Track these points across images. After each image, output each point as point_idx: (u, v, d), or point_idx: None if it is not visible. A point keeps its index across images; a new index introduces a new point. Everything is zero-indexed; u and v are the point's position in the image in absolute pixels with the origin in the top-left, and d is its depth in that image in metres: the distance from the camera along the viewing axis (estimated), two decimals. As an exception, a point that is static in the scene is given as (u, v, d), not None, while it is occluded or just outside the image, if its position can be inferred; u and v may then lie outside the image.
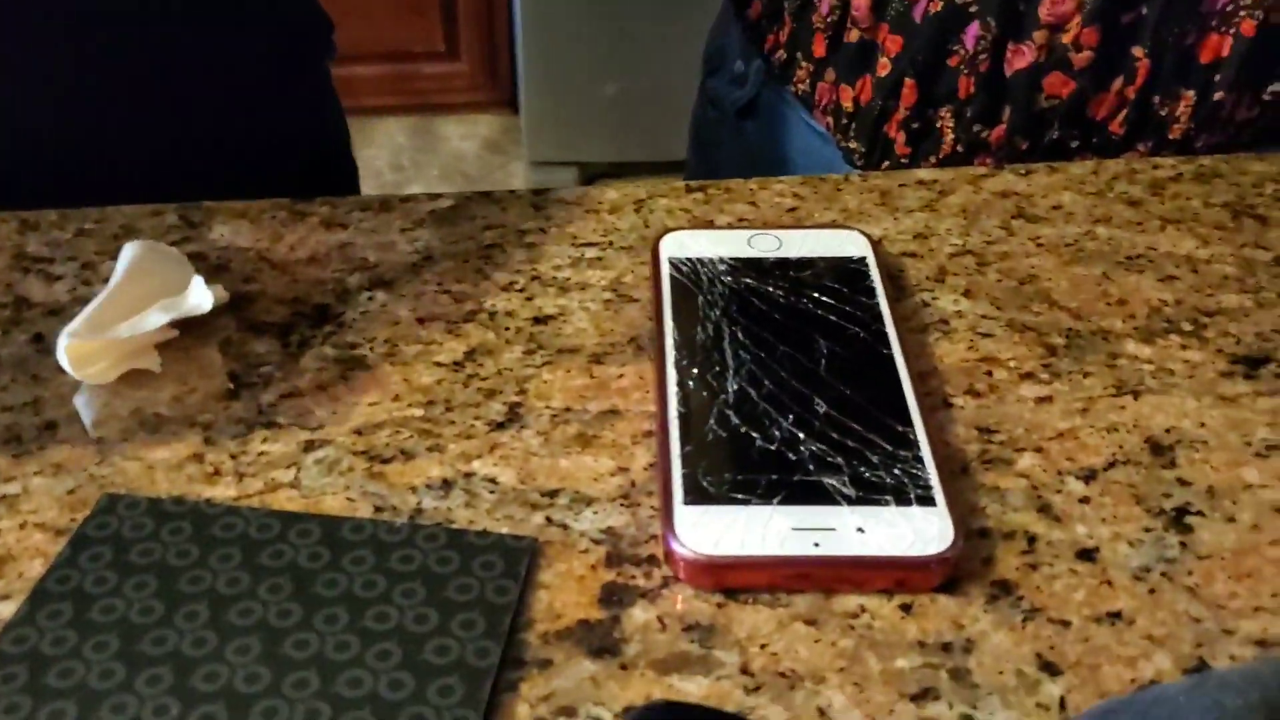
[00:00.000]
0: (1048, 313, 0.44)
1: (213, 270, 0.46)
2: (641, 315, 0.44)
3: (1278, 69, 0.53)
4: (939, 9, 0.54)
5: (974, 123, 0.57)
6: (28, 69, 0.54)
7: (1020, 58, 0.54)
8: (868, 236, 0.45)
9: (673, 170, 1.16)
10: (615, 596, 0.34)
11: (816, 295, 0.42)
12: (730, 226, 0.48)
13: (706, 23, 0.75)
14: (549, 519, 0.36)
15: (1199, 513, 0.36)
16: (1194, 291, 0.45)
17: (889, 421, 0.37)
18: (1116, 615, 0.33)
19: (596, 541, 0.35)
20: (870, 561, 0.33)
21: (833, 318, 0.41)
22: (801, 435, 0.37)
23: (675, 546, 0.34)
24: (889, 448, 0.36)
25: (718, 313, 0.42)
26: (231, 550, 0.34)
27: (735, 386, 0.39)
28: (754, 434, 0.37)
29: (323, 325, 0.44)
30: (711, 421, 0.37)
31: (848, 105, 0.60)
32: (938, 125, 0.58)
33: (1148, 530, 0.36)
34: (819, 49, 0.60)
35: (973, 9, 0.54)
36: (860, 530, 0.34)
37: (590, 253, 0.47)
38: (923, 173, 0.52)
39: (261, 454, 0.38)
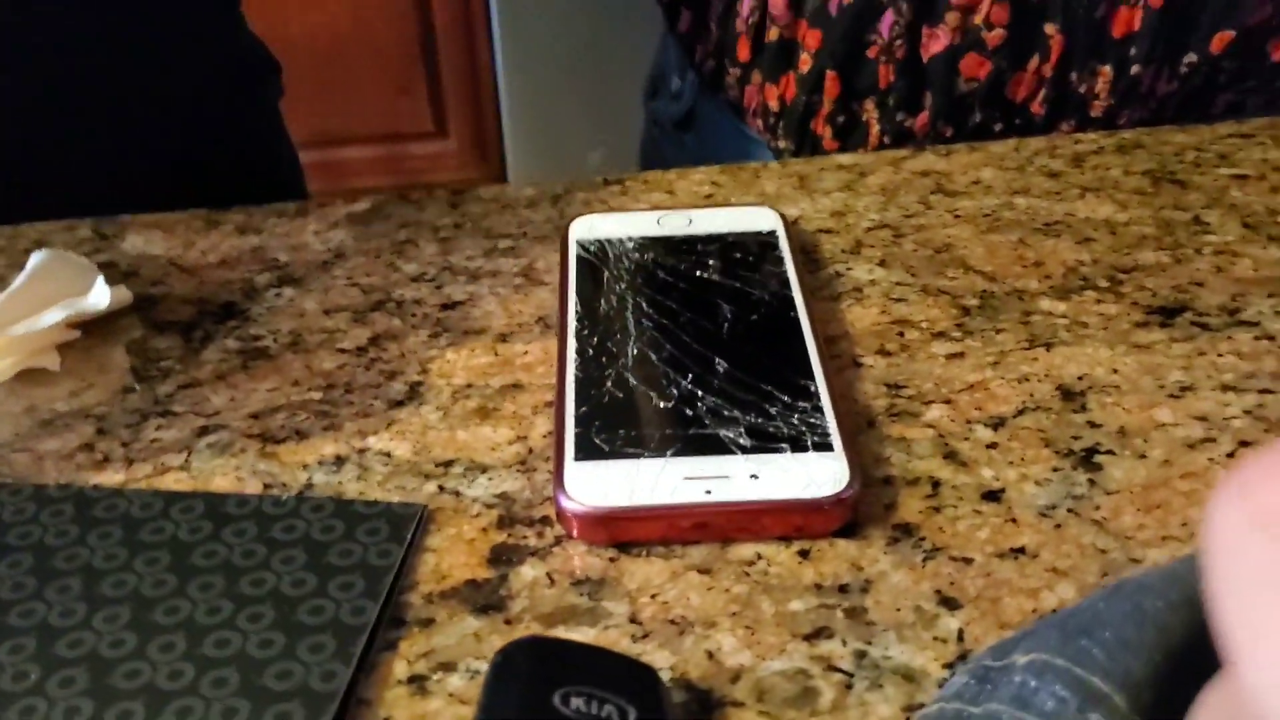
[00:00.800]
0: (963, 277, 0.43)
1: (121, 276, 0.46)
2: (551, 297, 0.43)
3: (1190, 40, 0.53)
4: (853, 1, 0.55)
5: (897, 111, 0.57)
6: None
7: (935, 41, 0.54)
8: (779, 213, 0.45)
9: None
10: (505, 556, 0.33)
11: (722, 266, 0.42)
12: (644, 212, 0.48)
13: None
14: (441, 487, 0.35)
15: (1109, 452, 0.35)
16: (1111, 251, 0.44)
17: (790, 376, 0.36)
18: (1020, 550, 0.32)
19: (489, 506, 0.34)
20: (764, 506, 0.32)
21: (737, 285, 0.41)
22: (700, 393, 0.36)
23: (564, 502, 0.33)
24: (788, 399, 0.35)
25: (623, 285, 0.41)
26: (111, 529, 0.33)
27: (635, 351, 0.38)
28: (651, 393, 0.36)
29: (227, 321, 0.43)
30: (608, 384, 0.36)
31: (774, 104, 0.60)
32: (863, 118, 0.58)
33: (1055, 470, 0.34)
34: (743, 52, 0.60)
35: (886, -3, 0.54)
36: (754, 477, 0.33)
37: (504, 243, 0.47)
38: (843, 157, 0.52)
39: (154, 440, 0.37)
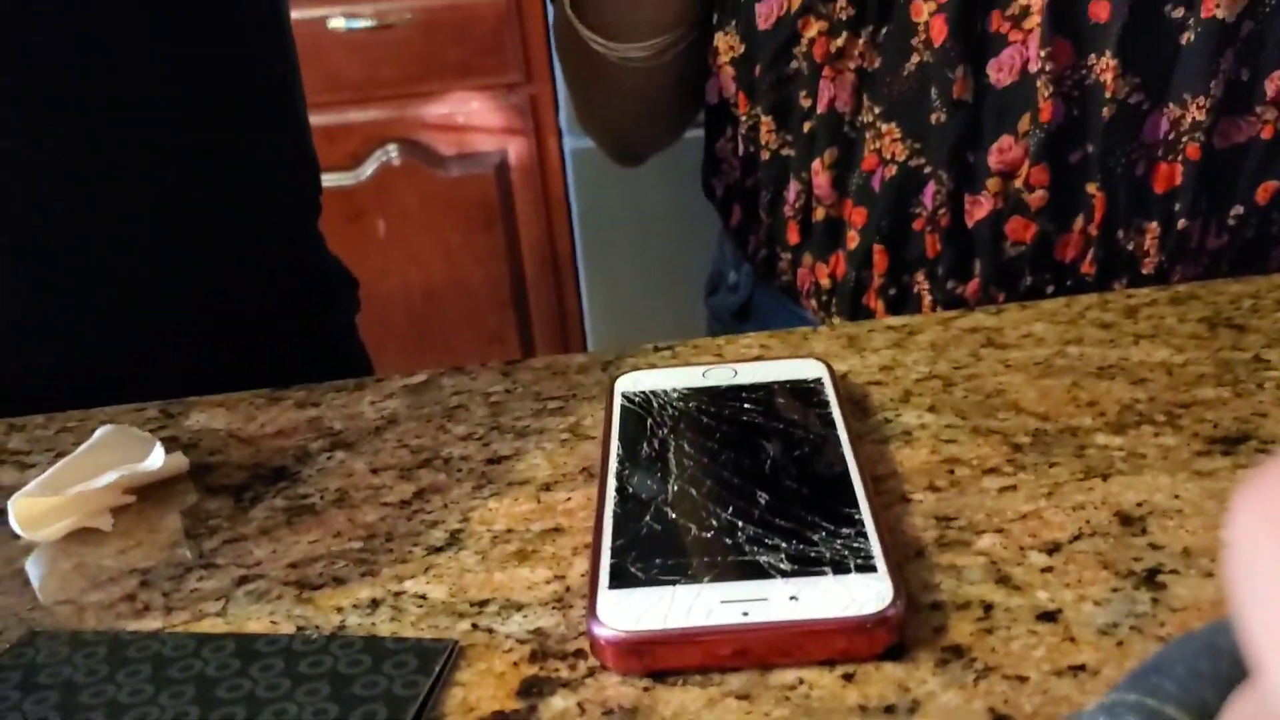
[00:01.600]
0: (1014, 418, 0.42)
1: (181, 448, 0.47)
2: (597, 449, 0.43)
3: (1235, 191, 0.53)
4: (894, 174, 0.56)
5: (947, 279, 0.57)
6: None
7: (979, 208, 0.55)
8: (826, 364, 0.45)
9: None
10: (535, 689, 0.31)
11: (767, 409, 0.42)
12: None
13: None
14: (475, 625, 0.34)
15: (1173, 571, 0.33)
16: (1168, 390, 0.43)
17: (833, 506, 0.35)
18: (1080, 668, 0.30)
19: (522, 641, 0.33)
20: (804, 627, 0.31)
21: (781, 425, 0.40)
22: (740, 523, 0.35)
23: (596, 629, 0.32)
24: (830, 526, 0.34)
25: (665, 430, 0.41)
26: (141, 666, 0.33)
27: (675, 488, 0.37)
28: (690, 524, 0.35)
29: (278, 483, 0.44)
30: (647, 518, 0.36)
31: (825, 283, 0.61)
32: (914, 289, 0.58)
33: (1115, 590, 0.33)
34: (793, 236, 0.62)
35: (926, 169, 0.55)
36: (794, 598, 0.31)
37: (553, 404, 0.47)
38: (892, 319, 0.52)
39: (194, 590, 0.37)
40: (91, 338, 0.59)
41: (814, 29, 0.56)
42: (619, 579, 0.33)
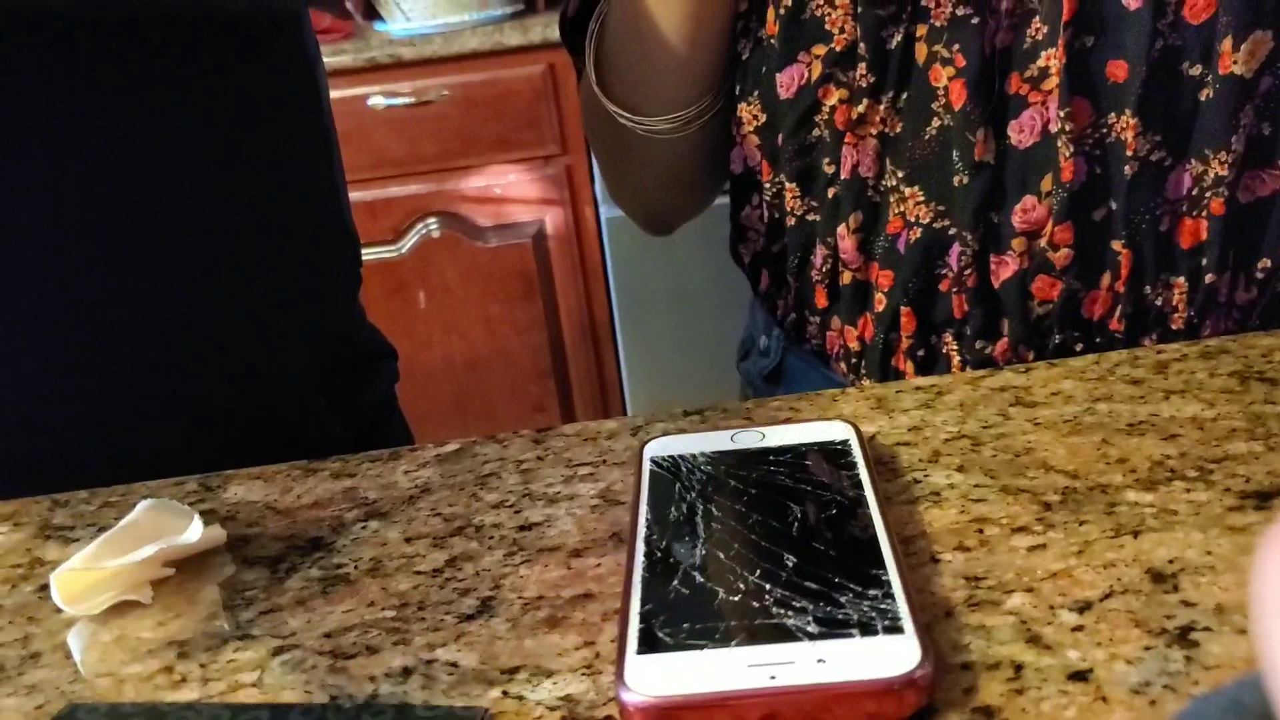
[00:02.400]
0: (1043, 476, 0.42)
1: (219, 520, 0.48)
2: (627, 515, 0.44)
3: (1261, 244, 0.53)
4: (919, 236, 0.56)
5: (975, 339, 0.57)
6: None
7: (1005, 268, 0.55)
8: (854, 425, 0.45)
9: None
10: (565, 755, 0.32)
11: (794, 471, 0.42)
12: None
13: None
14: (505, 692, 0.34)
15: (1206, 629, 0.33)
16: (1199, 445, 0.43)
17: (860, 568, 0.35)
18: (1111, 728, 0.30)
19: (552, 709, 0.33)
20: (831, 689, 0.31)
21: (808, 488, 0.41)
22: (767, 586, 0.35)
23: (624, 695, 0.32)
24: (857, 589, 0.34)
25: (693, 494, 0.41)
26: (177, 737, 0.33)
27: (704, 551, 0.37)
28: (717, 588, 0.35)
29: (313, 553, 0.44)
30: (675, 583, 0.36)
31: (854, 345, 0.61)
32: (943, 350, 0.58)
33: (1148, 649, 0.32)
34: (820, 300, 0.62)
35: (950, 231, 0.56)
36: (821, 661, 0.31)
37: (583, 470, 0.48)
38: (920, 380, 0.52)
39: (230, 661, 0.38)
40: (132, 414, 0.60)
41: (835, 97, 0.57)
42: (647, 644, 0.33)
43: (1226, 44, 0.50)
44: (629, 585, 0.36)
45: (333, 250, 0.66)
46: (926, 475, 0.44)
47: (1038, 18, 0.52)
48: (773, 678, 0.31)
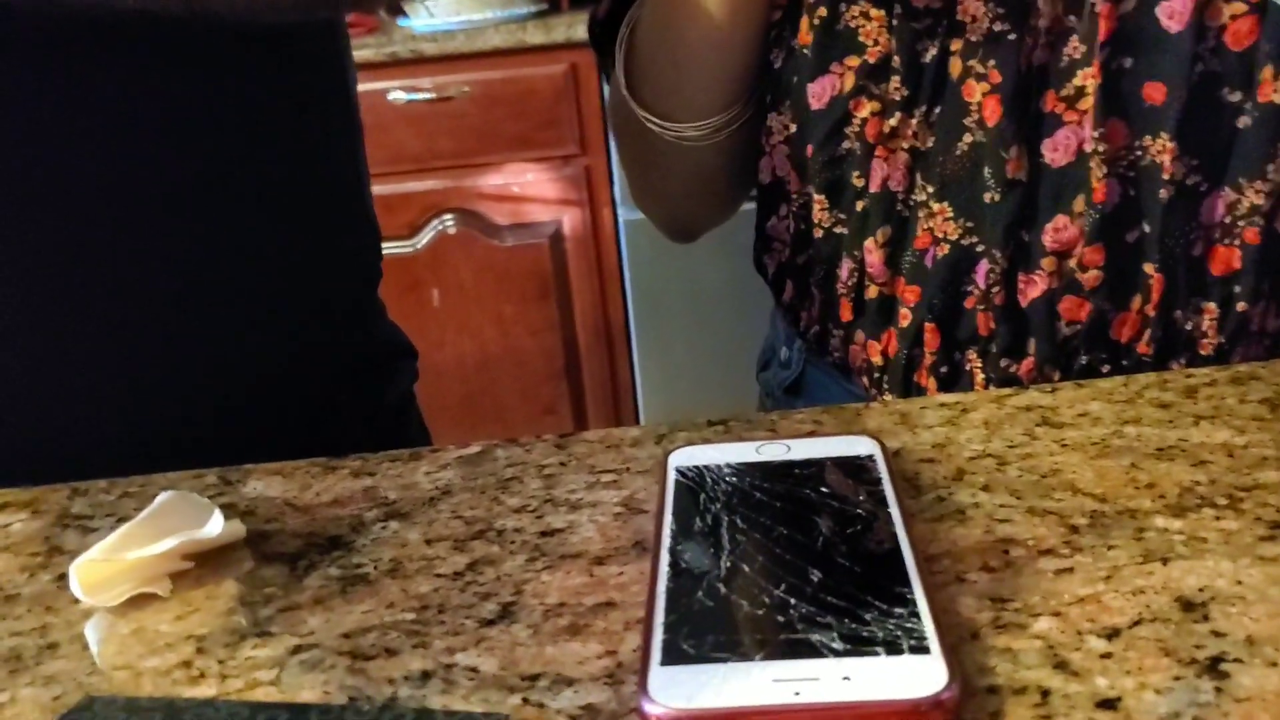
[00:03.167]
0: (1070, 499, 0.42)
1: (238, 515, 0.47)
2: (650, 523, 0.43)
3: (1295, 272, 0.53)
4: (946, 252, 0.56)
5: (1000, 358, 0.57)
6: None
7: (1033, 287, 0.55)
8: (879, 440, 0.45)
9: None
10: (585, 765, 0.31)
11: (819, 486, 0.42)
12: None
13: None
14: (526, 699, 0.34)
15: (1237, 660, 0.32)
16: (1229, 472, 0.43)
17: (885, 585, 0.35)
18: (1141, 758, 0.29)
19: (573, 717, 0.33)
20: (856, 708, 0.30)
21: (834, 503, 0.40)
22: (792, 600, 0.35)
23: (647, 706, 0.31)
24: (883, 606, 0.34)
25: (718, 505, 0.41)
26: (195, 734, 0.33)
27: (728, 564, 0.37)
28: (742, 601, 0.35)
29: (332, 552, 0.44)
30: (699, 594, 0.36)
31: (877, 360, 0.61)
32: (966, 367, 0.58)
33: (1178, 679, 0.32)
34: (845, 313, 0.62)
35: (979, 247, 0.55)
36: (846, 679, 0.31)
37: (606, 477, 0.47)
38: (945, 396, 0.52)
39: (248, 659, 0.38)
40: (154, 406, 0.60)
41: (866, 109, 0.57)
42: (671, 655, 0.33)
43: (1267, 72, 0.50)
44: (653, 595, 0.36)
45: (356, 240, 0.66)
46: (951, 493, 0.43)
47: (1075, 36, 0.52)
48: (797, 694, 0.31)
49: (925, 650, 0.32)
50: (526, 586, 0.40)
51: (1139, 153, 0.52)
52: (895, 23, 0.54)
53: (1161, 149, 0.51)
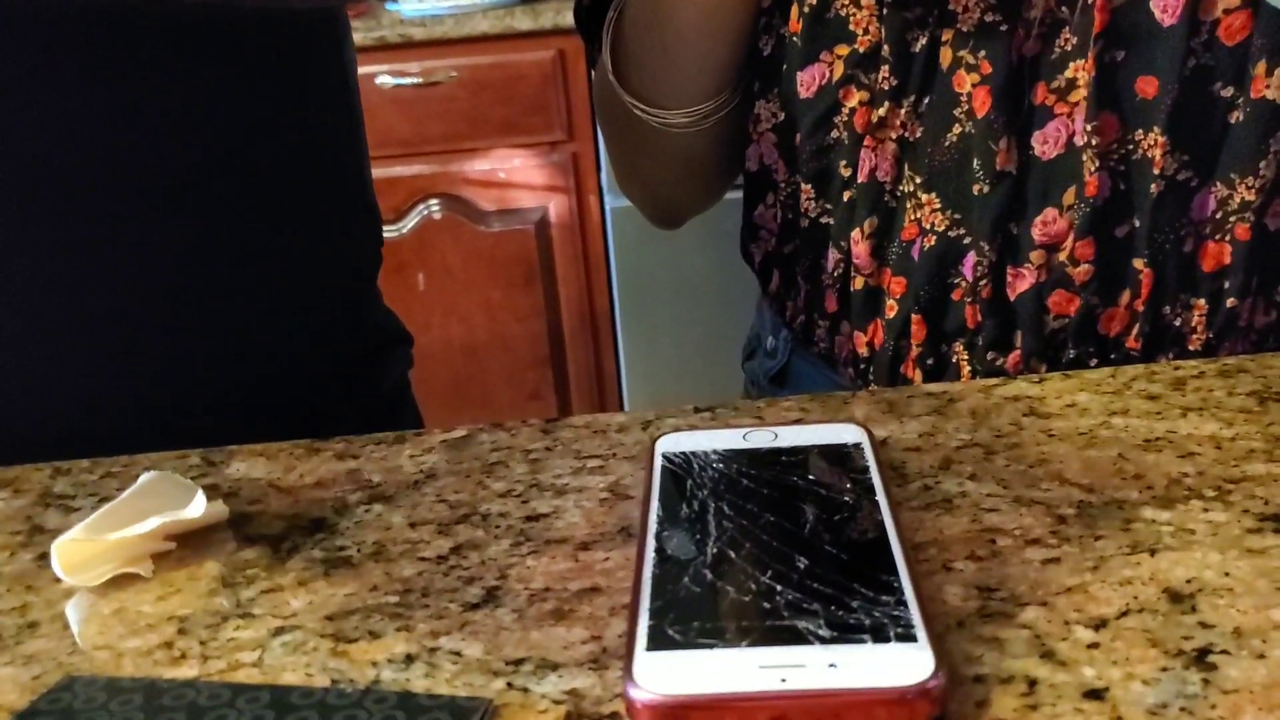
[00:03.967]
0: (1058, 489, 0.42)
1: (221, 496, 0.47)
2: (636, 509, 0.43)
3: (1285, 269, 0.53)
4: (934, 244, 0.56)
5: (987, 350, 0.56)
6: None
7: (1021, 280, 0.55)
8: (866, 428, 0.44)
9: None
10: (570, 750, 0.31)
11: (806, 473, 0.41)
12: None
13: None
14: (510, 684, 0.34)
15: (1224, 652, 0.32)
16: (1217, 464, 0.43)
17: (872, 572, 0.35)
18: (1127, 748, 0.29)
19: (557, 702, 0.33)
20: (842, 695, 0.30)
21: (821, 490, 0.40)
22: (779, 587, 0.35)
23: (632, 692, 0.31)
24: (869, 594, 0.34)
25: (705, 492, 0.41)
26: (176, 715, 0.33)
27: (715, 550, 0.37)
28: (729, 587, 0.35)
29: (315, 534, 0.44)
30: (685, 580, 0.35)
31: (863, 351, 0.60)
32: (953, 359, 0.58)
33: (1165, 670, 0.32)
34: (831, 304, 0.62)
35: (966, 239, 0.55)
36: (833, 666, 0.31)
37: (592, 463, 0.47)
38: (932, 386, 0.52)
39: (230, 640, 0.37)
40: (150, 394, 0.59)
41: (855, 99, 0.56)
42: (657, 641, 0.33)
43: (1260, 67, 0.50)
44: (639, 581, 0.36)
45: (356, 227, 0.65)
46: (938, 482, 0.43)
47: (1068, 28, 0.52)
48: (783, 680, 0.31)
49: (912, 639, 0.32)
50: (511, 571, 0.40)
51: (1130, 146, 0.52)
52: (885, 11, 0.54)
53: (1153, 143, 0.51)
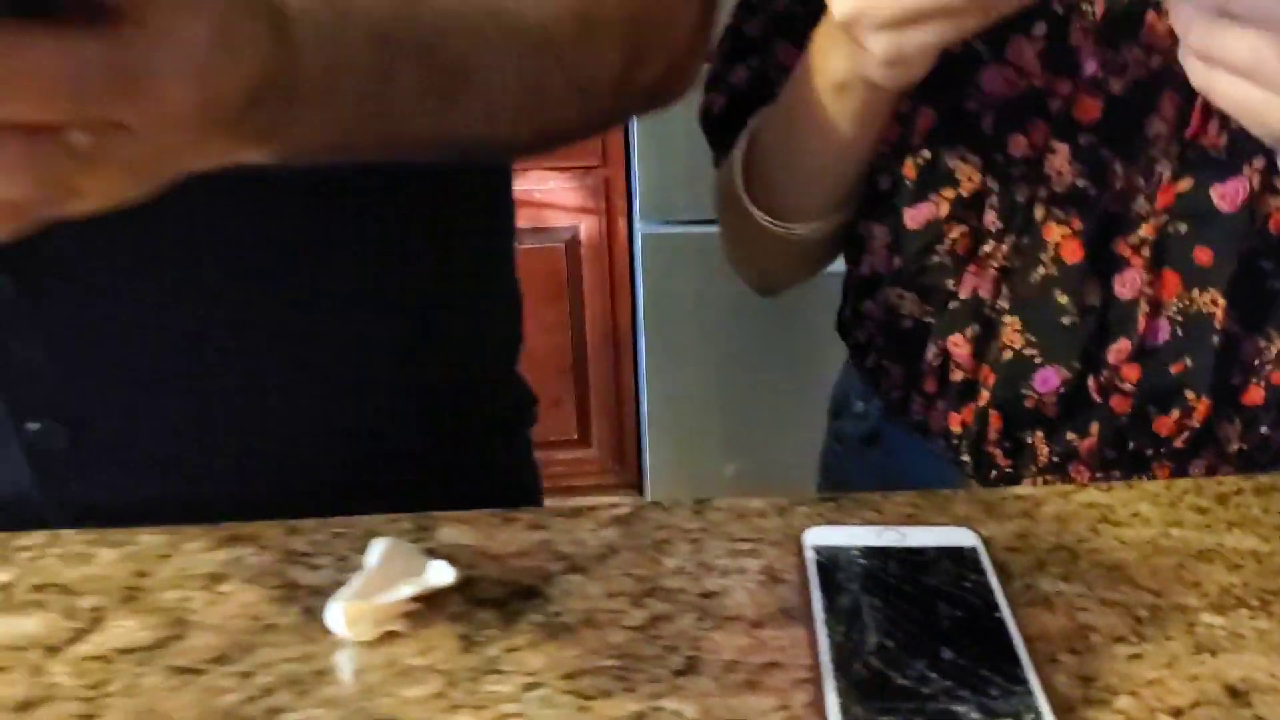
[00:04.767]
0: (1132, 593, 0.53)
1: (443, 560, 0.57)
2: (791, 592, 0.53)
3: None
4: (1011, 358, 0.67)
5: (1065, 435, 0.67)
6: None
7: (1099, 393, 0.66)
8: (977, 532, 0.55)
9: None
10: (787, 797, 0.41)
11: (939, 573, 0.52)
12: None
13: (814, 407, 0.89)
14: (728, 740, 0.44)
15: (1274, 741, 0.43)
16: (1259, 576, 0.53)
17: (1002, 664, 0.46)
18: (1207, 815, 0.40)
19: (768, 757, 0.43)
20: (995, 767, 0.41)
21: (951, 589, 0.51)
22: (933, 675, 0.45)
23: (835, 756, 0.42)
24: (1004, 684, 0.44)
25: (856, 586, 0.51)
26: (478, 756, 0.43)
27: (875, 640, 0.47)
28: (892, 672, 0.45)
29: (532, 599, 0.54)
30: (857, 665, 0.46)
31: (956, 429, 0.71)
32: (1030, 443, 0.69)
33: (1230, 753, 0.43)
34: (930, 386, 0.72)
35: (1038, 360, 0.66)
36: (986, 743, 0.42)
37: (743, 546, 0.58)
38: (1020, 490, 0.62)
39: (491, 692, 0.48)
40: (308, 454, 0.68)
41: (957, 231, 0.67)
42: (847, 716, 0.43)
43: None
44: (818, 662, 0.46)
45: (505, 313, 0.76)
46: (1036, 582, 0.54)
47: (1143, 196, 0.62)
48: (950, 753, 0.41)
49: (1044, 723, 0.42)
50: (701, 644, 0.50)
51: (1188, 302, 0.63)
52: (989, 167, 0.65)
53: (1212, 301, 0.62)
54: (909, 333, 0.71)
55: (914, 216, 0.68)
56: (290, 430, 0.68)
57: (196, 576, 0.56)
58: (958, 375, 0.70)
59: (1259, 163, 0.61)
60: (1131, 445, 0.67)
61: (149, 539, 0.59)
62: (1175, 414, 0.65)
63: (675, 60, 0.64)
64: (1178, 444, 0.66)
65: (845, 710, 0.43)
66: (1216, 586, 0.53)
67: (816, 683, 0.45)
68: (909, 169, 0.68)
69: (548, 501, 0.74)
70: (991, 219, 0.66)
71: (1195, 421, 0.65)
